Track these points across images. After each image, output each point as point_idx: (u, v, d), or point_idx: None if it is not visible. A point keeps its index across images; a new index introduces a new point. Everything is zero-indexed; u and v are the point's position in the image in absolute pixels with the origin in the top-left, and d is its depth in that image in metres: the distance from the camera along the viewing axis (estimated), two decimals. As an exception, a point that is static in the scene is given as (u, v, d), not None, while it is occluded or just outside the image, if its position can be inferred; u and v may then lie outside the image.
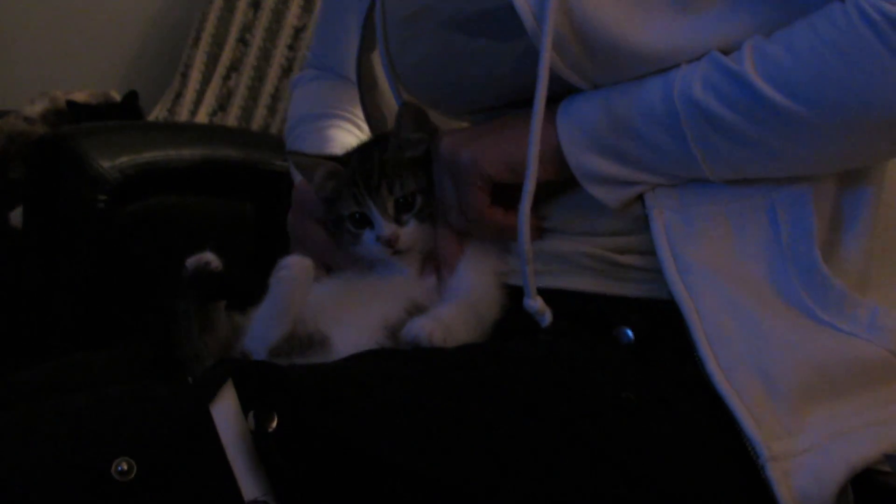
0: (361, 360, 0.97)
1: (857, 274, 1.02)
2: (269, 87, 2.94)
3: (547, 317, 1.01)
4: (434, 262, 1.11)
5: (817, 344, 0.97)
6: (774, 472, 0.93)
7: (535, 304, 1.01)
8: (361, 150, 1.14)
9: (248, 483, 0.86)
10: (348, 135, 1.34)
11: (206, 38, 3.09)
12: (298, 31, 2.92)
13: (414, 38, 1.13)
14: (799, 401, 0.95)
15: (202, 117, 3.01)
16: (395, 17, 1.15)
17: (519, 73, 1.04)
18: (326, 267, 1.17)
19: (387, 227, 1.07)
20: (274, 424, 0.87)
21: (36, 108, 2.91)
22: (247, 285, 1.09)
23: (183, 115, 3.04)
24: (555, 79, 1.00)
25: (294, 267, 1.02)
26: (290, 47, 2.92)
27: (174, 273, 1.04)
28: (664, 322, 1.00)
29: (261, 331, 1.03)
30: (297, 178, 1.24)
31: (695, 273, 0.99)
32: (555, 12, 0.97)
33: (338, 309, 1.06)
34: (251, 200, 2.13)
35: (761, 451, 0.93)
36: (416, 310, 1.05)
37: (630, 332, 1.01)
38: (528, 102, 1.01)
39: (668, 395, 0.97)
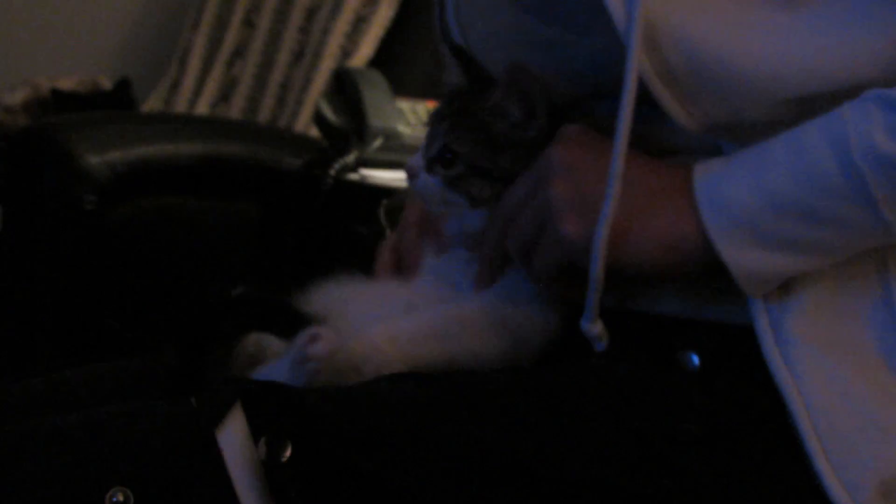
0: (386, 384, 0.97)
1: None
2: (277, 76, 2.95)
3: (604, 343, 1.00)
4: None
5: None
6: None
7: (595, 328, 0.99)
8: (466, 91, 1.13)
9: (257, 518, 0.86)
10: None
11: (207, 20, 3.10)
12: (311, 13, 2.93)
13: (486, 10, 1.12)
14: None
15: (202, 108, 3.02)
16: None
17: (595, 71, 1.04)
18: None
19: (414, 159, 1.08)
20: (288, 453, 0.87)
21: (16, 97, 2.93)
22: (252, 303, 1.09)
23: (181, 106, 3.06)
24: (639, 99, 0.97)
25: (322, 348, 1.01)
26: (302, 30, 2.94)
27: (173, 280, 1.05)
28: (735, 348, 0.99)
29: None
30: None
31: (797, 348, 0.96)
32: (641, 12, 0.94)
33: (342, 317, 1.07)
34: (256, 202, 2.13)
35: None
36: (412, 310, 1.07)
37: (696, 358, 1.00)
38: (603, 95, 1.00)
39: (738, 429, 0.96)
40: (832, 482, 0.92)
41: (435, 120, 1.08)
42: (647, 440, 0.94)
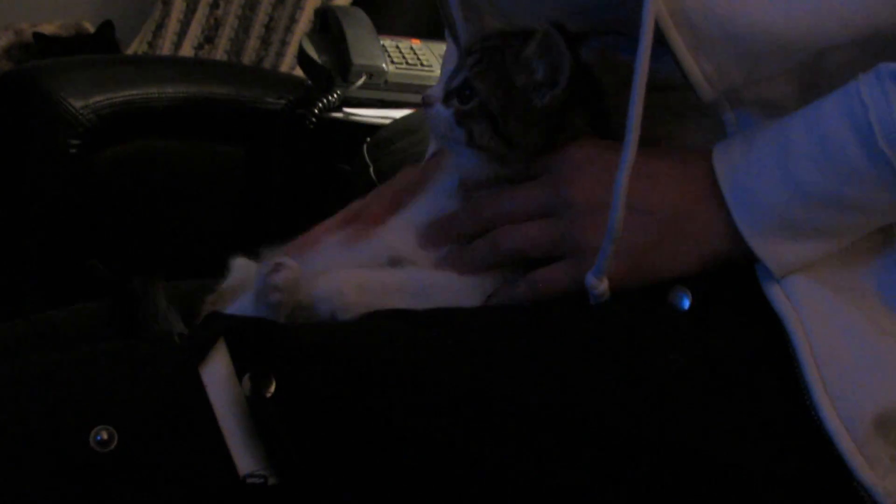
0: (370, 321, 0.96)
1: None
2: (261, 17, 2.94)
3: (603, 299, 0.97)
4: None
5: None
6: None
7: (601, 286, 0.96)
8: (504, 34, 1.10)
9: (242, 455, 0.85)
10: None
11: (190, -38, 3.08)
12: (295, -47, 2.91)
13: None
14: None
15: (186, 50, 3.01)
16: None
17: (605, 9, 1.01)
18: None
19: (434, 89, 1.06)
20: (272, 389, 0.86)
21: (-1, 42, 2.92)
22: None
23: (165, 49, 3.04)
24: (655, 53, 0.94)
25: (284, 278, 1.00)
26: (287, -30, 2.92)
27: (158, 222, 1.04)
28: (730, 283, 0.98)
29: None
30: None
31: (798, 283, 0.96)
32: None
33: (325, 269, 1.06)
34: (241, 143, 2.13)
35: (881, 498, 0.92)
36: (397, 264, 1.05)
37: (687, 301, 0.98)
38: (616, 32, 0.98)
39: (728, 360, 0.95)
40: (829, 413, 0.92)
41: (465, 53, 1.05)
42: (634, 373, 0.93)
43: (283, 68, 2.81)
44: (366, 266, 1.04)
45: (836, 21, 0.94)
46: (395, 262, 1.05)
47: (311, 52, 2.13)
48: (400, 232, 1.07)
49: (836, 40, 0.94)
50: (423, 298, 1.00)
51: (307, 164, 2.03)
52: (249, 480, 0.85)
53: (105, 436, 0.82)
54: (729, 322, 0.97)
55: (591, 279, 0.95)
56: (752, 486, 0.93)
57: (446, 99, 1.03)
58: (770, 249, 0.95)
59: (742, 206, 0.95)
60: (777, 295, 0.95)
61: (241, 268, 1.10)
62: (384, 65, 2.12)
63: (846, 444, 0.91)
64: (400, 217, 1.09)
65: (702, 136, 0.99)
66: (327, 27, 2.19)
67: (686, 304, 0.96)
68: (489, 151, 1.02)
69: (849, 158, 0.92)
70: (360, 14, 2.21)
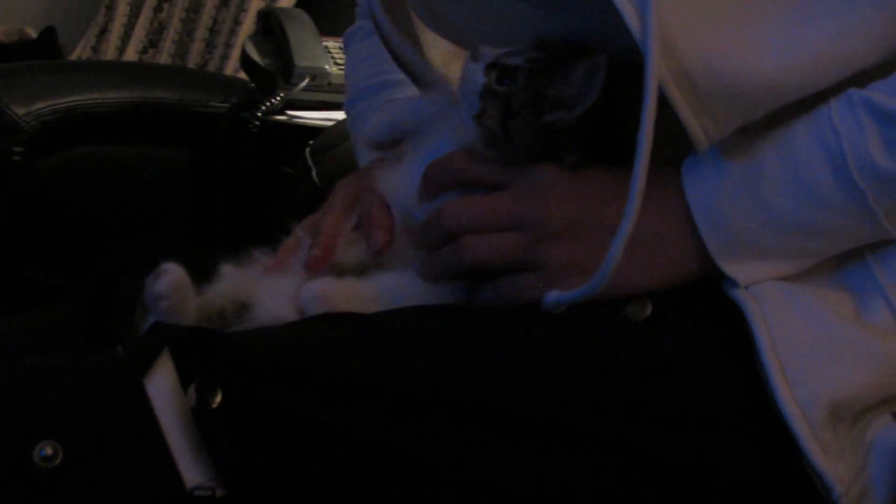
0: (315, 325, 0.95)
1: None
2: (205, 19, 2.92)
3: (559, 311, 0.97)
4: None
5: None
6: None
7: (563, 307, 0.96)
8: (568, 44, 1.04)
9: (189, 467, 0.84)
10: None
11: (133, -34, 3.06)
12: (238, -46, 2.90)
13: None
14: (860, 418, 0.94)
15: (131, 55, 2.99)
16: None
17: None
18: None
19: (487, 51, 1.02)
20: (218, 399, 0.85)
21: (-61, 49, 2.89)
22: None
23: (109, 54, 3.03)
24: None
25: (167, 283, 0.98)
26: (229, -28, 2.91)
27: (102, 231, 1.02)
28: (683, 294, 0.98)
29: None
30: (365, 160, 1.20)
31: None
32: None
33: (261, 275, 1.05)
34: (187, 147, 2.11)
35: (832, 484, 0.92)
36: (341, 273, 1.04)
37: (647, 308, 0.98)
38: None
39: (682, 358, 0.95)
40: (786, 397, 0.91)
41: (534, 45, 1.03)
42: (586, 374, 0.93)
43: (229, 71, 2.80)
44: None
45: (830, 66, 0.94)
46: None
47: (254, 54, 2.12)
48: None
49: (829, 83, 0.94)
50: (394, 306, 0.99)
51: (251, 168, 2.02)
52: (197, 493, 0.84)
53: (49, 451, 0.81)
54: (684, 322, 0.97)
55: (551, 298, 0.95)
56: (712, 477, 0.93)
57: (489, 68, 1.01)
58: (739, 269, 0.95)
59: (713, 231, 0.95)
60: (735, 284, 0.96)
61: (228, 276, 1.08)
62: (327, 66, 2.12)
63: (802, 428, 0.91)
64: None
65: (672, 153, 0.99)
66: (270, 29, 2.18)
67: (646, 312, 0.96)
68: (489, 135, 1.01)
69: (821, 187, 0.93)
70: (303, 16, 2.20)
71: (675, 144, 0.95)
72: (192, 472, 0.84)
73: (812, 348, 0.94)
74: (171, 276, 0.98)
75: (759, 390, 0.93)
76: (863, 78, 0.95)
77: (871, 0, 0.94)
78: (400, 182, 1.08)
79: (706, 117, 0.93)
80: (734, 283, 0.96)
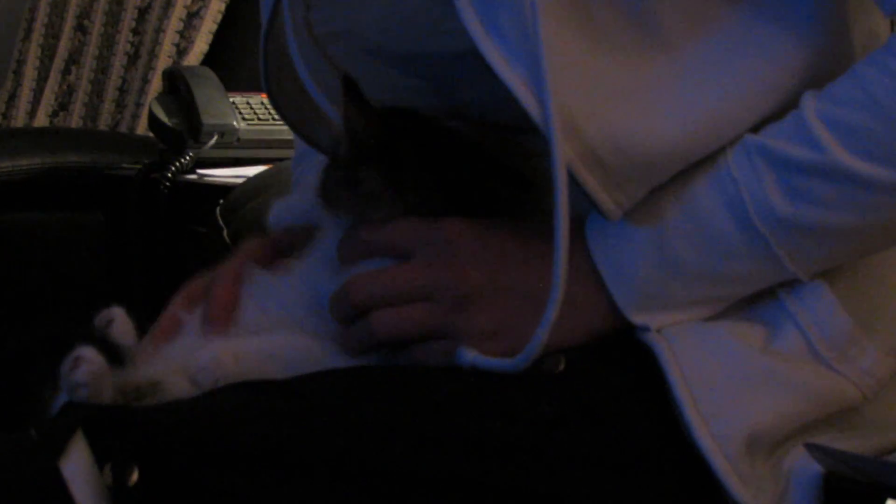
0: (229, 395, 0.94)
1: (867, 310, 0.99)
2: (114, 79, 2.90)
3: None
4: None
5: (813, 383, 0.95)
6: None
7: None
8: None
9: (110, 548, 0.83)
10: None
11: (38, 29, 3.04)
12: (142, 12, 2.89)
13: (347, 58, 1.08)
14: (778, 447, 0.95)
15: (41, 119, 2.96)
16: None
17: (462, 115, 1.02)
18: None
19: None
20: (135, 477, 0.83)
21: None
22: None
23: (20, 119, 2.99)
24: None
25: (85, 372, 0.96)
26: (135, 31, 2.90)
27: (19, 305, 1.01)
28: (601, 346, 0.98)
29: None
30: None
31: None
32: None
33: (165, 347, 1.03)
34: (100, 210, 2.09)
35: None
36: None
37: (561, 363, 0.97)
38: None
39: (599, 405, 0.95)
40: (701, 432, 0.91)
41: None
42: (505, 428, 0.92)
43: (140, 130, 2.77)
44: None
45: (729, 123, 0.94)
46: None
47: (161, 115, 2.10)
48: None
49: (731, 137, 0.95)
50: (299, 365, 0.97)
51: (163, 229, 2.00)
52: (118, 575, 0.82)
53: (-32, 541, 0.79)
54: (600, 370, 0.96)
55: (467, 360, 0.94)
56: None
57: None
58: (649, 319, 0.95)
59: (622, 288, 0.95)
60: (647, 328, 0.96)
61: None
62: (235, 122, 2.09)
63: (720, 462, 0.91)
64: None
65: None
66: (176, 88, 2.16)
67: (561, 367, 0.96)
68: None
69: (723, 236, 0.93)
70: (208, 73, 2.18)
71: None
72: (112, 554, 0.82)
73: (724, 381, 0.94)
74: (88, 364, 0.94)
75: (676, 429, 0.93)
76: (760, 123, 0.96)
77: (760, 52, 0.95)
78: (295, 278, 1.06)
79: (617, 192, 0.93)
80: (646, 328, 0.96)
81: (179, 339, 1.04)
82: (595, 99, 0.92)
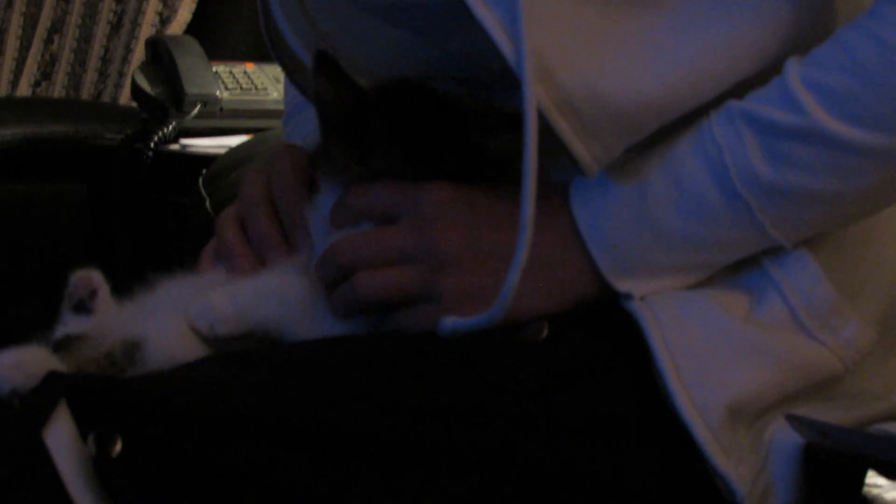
0: (211, 365, 0.94)
1: (850, 281, 0.99)
2: (97, 49, 2.88)
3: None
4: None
5: (795, 353, 0.95)
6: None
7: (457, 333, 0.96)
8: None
9: (94, 518, 0.83)
10: None
11: (20, -2, 3.02)
12: (126, -19, 2.87)
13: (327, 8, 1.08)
14: (759, 418, 0.95)
15: (24, 90, 2.94)
16: None
17: (449, 69, 1.01)
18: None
19: None
20: (118, 447, 0.83)
21: None
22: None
23: (2, 89, 2.98)
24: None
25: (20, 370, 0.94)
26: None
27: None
28: (581, 311, 0.98)
29: None
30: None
31: None
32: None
33: (153, 308, 1.03)
34: (82, 181, 2.08)
35: (735, 486, 0.92)
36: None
37: (545, 329, 0.97)
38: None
39: (581, 375, 0.95)
40: (683, 401, 0.91)
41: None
42: (485, 395, 0.92)
43: (123, 100, 2.76)
44: None
45: (709, 80, 0.94)
46: None
47: (144, 84, 2.09)
48: None
49: (710, 96, 0.95)
50: (295, 306, 0.98)
51: (146, 199, 2.00)
52: (102, 543, 0.82)
53: (-49, 511, 0.79)
54: (583, 338, 0.96)
55: (447, 325, 0.94)
56: (616, 485, 0.93)
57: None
58: (634, 285, 0.95)
59: (604, 252, 0.95)
60: (630, 296, 0.96)
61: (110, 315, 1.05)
62: (218, 92, 2.09)
63: (702, 431, 0.91)
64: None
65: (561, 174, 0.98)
66: (159, 58, 2.15)
67: (543, 334, 0.96)
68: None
69: (706, 201, 0.93)
70: (191, 42, 2.17)
71: (561, 166, 0.95)
72: (96, 524, 0.82)
73: (707, 351, 0.93)
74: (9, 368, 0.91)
75: (658, 398, 0.93)
76: (742, 88, 0.95)
77: (743, 11, 0.94)
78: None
79: (593, 143, 0.92)
80: (629, 296, 0.96)
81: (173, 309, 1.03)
82: (573, 46, 0.92)
